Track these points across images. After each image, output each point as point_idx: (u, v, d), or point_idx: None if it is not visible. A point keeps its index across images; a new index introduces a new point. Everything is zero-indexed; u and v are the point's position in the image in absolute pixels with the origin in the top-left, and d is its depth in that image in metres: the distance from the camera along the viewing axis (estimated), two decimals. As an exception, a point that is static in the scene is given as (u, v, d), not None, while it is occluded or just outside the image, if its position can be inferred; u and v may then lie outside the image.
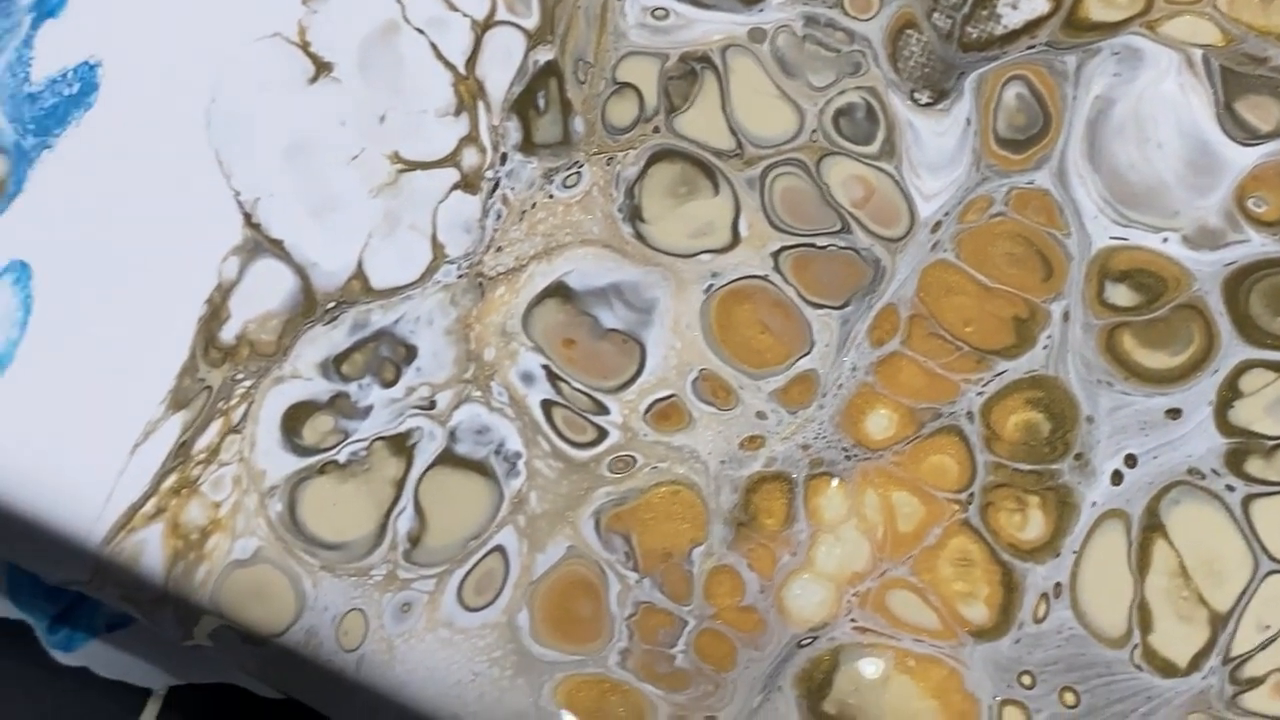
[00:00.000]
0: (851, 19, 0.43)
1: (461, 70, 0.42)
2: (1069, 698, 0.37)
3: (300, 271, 0.40)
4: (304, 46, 0.42)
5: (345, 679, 0.37)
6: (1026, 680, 0.38)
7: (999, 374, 0.40)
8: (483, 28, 0.43)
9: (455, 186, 0.41)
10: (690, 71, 0.43)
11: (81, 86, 0.41)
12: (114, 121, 0.41)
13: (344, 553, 0.38)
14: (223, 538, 0.38)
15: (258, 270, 0.40)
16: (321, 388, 0.39)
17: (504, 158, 0.42)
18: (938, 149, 0.42)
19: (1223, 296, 0.40)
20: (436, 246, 0.41)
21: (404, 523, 0.38)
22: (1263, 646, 0.38)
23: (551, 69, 0.42)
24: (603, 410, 0.39)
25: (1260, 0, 0.42)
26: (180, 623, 0.39)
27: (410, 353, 0.40)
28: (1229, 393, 0.40)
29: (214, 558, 0.38)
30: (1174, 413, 0.39)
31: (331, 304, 0.40)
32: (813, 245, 0.41)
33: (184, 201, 0.40)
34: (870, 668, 0.37)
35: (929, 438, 0.40)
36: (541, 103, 0.42)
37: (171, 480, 0.38)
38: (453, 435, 0.39)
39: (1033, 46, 0.43)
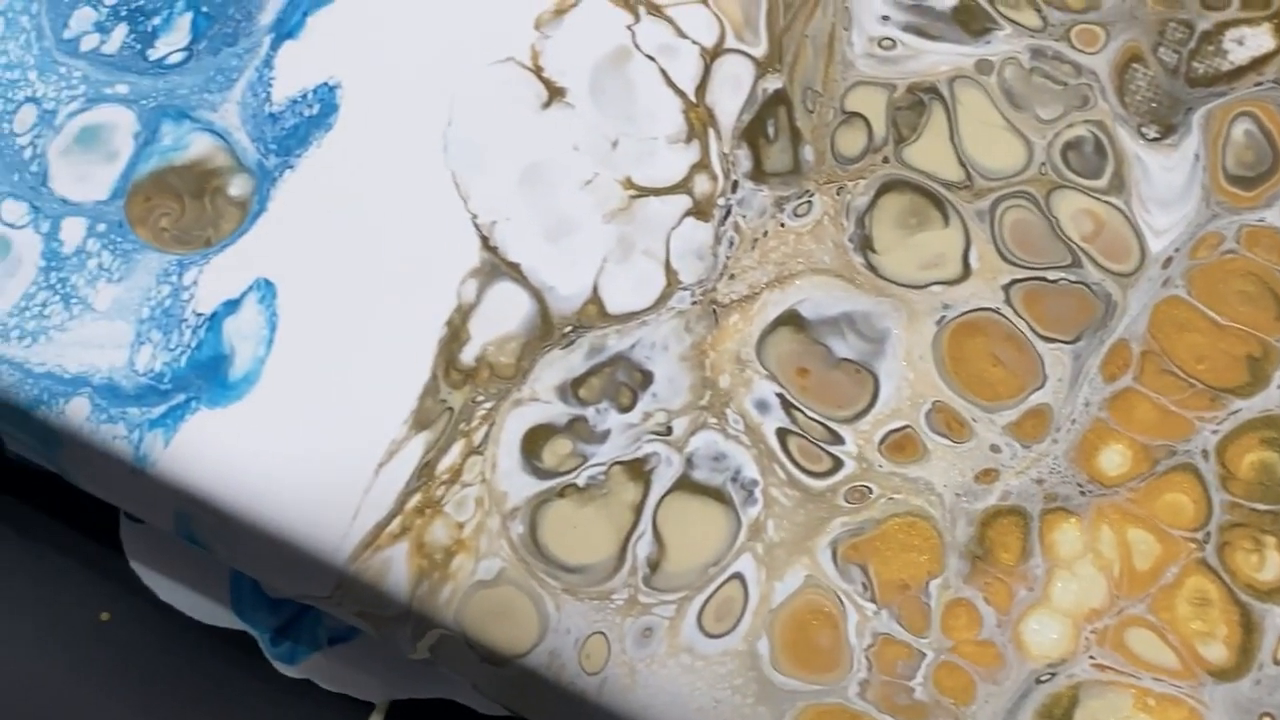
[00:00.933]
0: (1078, 52, 0.43)
1: (692, 97, 0.42)
2: (1311, 741, 0.37)
3: (537, 295, 0.40)
4: (537, 71, 0.42)
5: (587, 702, 0.38)
6: (1268, 723, 0.37)
7: (1233, 412, 0.40)
8: (712, 55, 0.43)
9: (688, 213, 0.42)
10: (918, 102, 0.43)
11: (322, 108, 0.42)
12: (353, 143, 0.42)
13: (585, 576, 0.38)
14: (466, 558, 0.38)
15: (496, 293, 0.40)
16: (559, 411, 0.40)
17: (735, 185, 0.42)
18: (1167, 184, 0.42)
19: None
20: (670, 272, 0.41)
21: (643, 548, 0.38)
22: None
23: (780, 97, 0.43)
24: (837, 440, 0.40)
25: None
26: (413, 639, 0.39)
27: (646, 378, 0.40)
28: None
29: (459, 578, 0.38)
30: None
31: (568, 328, 0.40)
32: (1044, 279, 0.41)
33: (422, 223, 0.41)
34: (1111, 706, 0.37)
35: (1164, 475, 0.39)
36: (771, 131, 0.42)
37: (416, 500, 0.39)
38: (689, 461, 0.39)
39: (1260, 83, 0.43)
